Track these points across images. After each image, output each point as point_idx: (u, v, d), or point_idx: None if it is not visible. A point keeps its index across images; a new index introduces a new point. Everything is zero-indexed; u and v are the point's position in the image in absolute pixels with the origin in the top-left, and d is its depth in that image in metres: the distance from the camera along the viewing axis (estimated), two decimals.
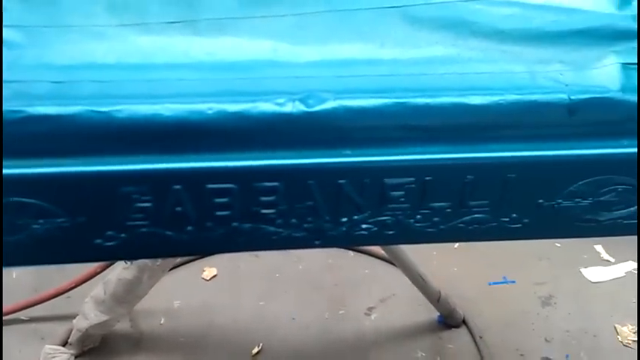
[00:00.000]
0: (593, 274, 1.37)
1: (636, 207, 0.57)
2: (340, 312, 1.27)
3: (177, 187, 0.49)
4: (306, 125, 0.50)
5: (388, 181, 0.52)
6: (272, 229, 0.53)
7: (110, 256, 0.52)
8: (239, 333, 1.22)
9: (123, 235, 0.51)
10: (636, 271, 1.37)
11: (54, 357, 1.10)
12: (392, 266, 1.24)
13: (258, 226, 0.53)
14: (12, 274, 1.30)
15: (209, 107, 0.48)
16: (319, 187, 0.52)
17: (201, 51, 0.50)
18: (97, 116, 0.46)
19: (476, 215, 0.56)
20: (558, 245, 1.42)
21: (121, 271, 1.04)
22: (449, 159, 0.52)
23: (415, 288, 1.19)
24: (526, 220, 0.57)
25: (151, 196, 0.49)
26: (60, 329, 1.16)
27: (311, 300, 1.29)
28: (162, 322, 1.24)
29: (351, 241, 0.56)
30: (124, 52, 0.49)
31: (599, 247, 1.43)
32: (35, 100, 0.46)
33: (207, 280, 1.33)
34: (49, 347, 1.11)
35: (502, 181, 0.54)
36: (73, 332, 1.11)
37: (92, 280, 1.14)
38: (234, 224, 0.52)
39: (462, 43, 0.54)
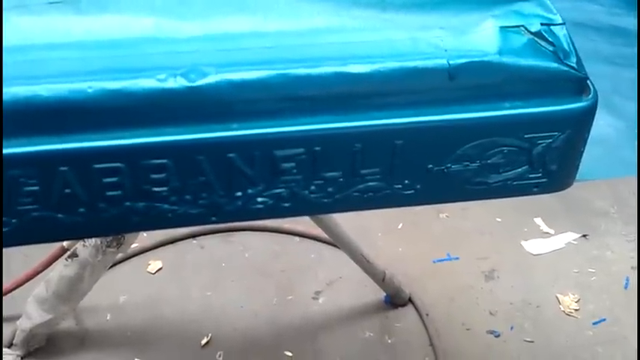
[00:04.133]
0: (534, 246, 1.40)
1: (525, 167, 0.59)
2: (288, 297, 1.28)
3: (64, 168, 0.50)
4: (189, 100, 0.50)
5: (278, 152, 0.53)
6: (167, 206, 0.54)
7: (4, 243, 0.52)
8: (187, 324, 1.22)
9: (14, 220, 0.51)
10: (576, 242, 1.40)
11: None
12: (338, 250, 1.25)
13: (152, 204, 0.54)
14: None
15: (89, 85, 0.48)
16: (209, 162, 0.52)
17: (83, 30, 0.51)
18: None
19: (369, 183, 0.57)
20: (499, 220, 1.44)
21: (62, 268, 1.03)
22: (335, 128, 0.53)
23: (361, 270, 1.20)
24: (419, 186, 0.58)
25: (37, 179, 0.50)
26: (5, 331, 1.15)
27: (258, 287, 1.29)
28: (108, 318, 1.23)
29: (248, 216, 0.57)
30: (2, 34, 0.49)
31: (538, 220, 1.45)
32: None
33: (153, 274, 1.32)
34: None
35: (390, 148, 0.55)
36: (17, 333, 1.10)
37: (35, 279, 1.13)
38: (127, 204, 0.53)
39: (344, 13, 0.55)
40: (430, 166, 0.57)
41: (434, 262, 1.36)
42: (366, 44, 0.54)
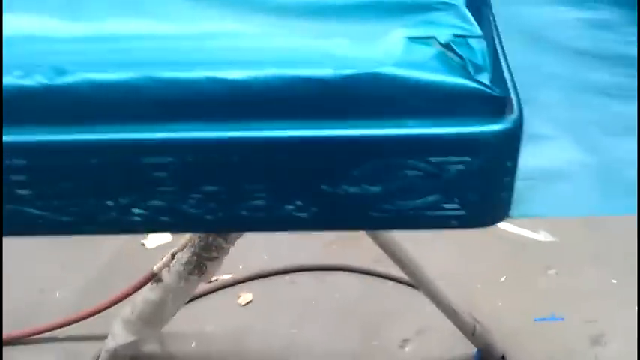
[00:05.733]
0: None
1: (437, 195, 0.52)
2: (373, 343, 1.23)
3: None
4: (50, 100, 0.47)
5: (147, 160, 0.49)
6: (35, 212, 0.51)
7: None
8: None
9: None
10: None
11: None
12: None
13: (19, 208, 0.51)
14: (55, 292, 1.33)
15: None
16: (72, 167, 0.49)
17: None
18: None
19: (256, 202, 0.52)
20: (614, 281, 1.33)
21: (147, 291, 1.03)
22: (208, 138, 0.49)
23: None
24: (314, 209, 0.52)
25: None
26: (91, 350, 1.17)
27: (345, 330, 1.26)
28: (193, 345, 1.23)
29: (125, 228, 0.53)
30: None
31: None
32: None
33: (243, 305, 1.33)
34: None
35: (273, 164, 0.50)
36: (102, 353, 1.10)
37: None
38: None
39: (241, 18, 0.51)
40: (324, 187, 0.51)
41: (535, 320, 1.27)
42: (251, 50, 0.49)
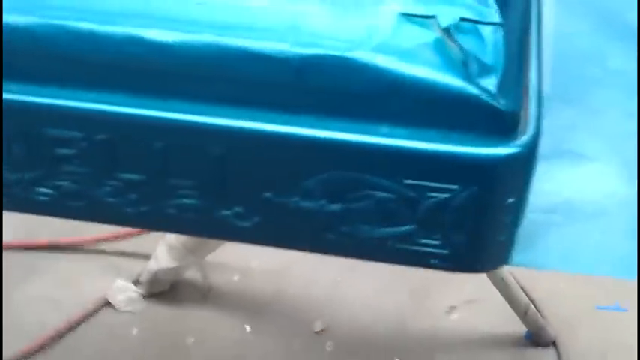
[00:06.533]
0: None
1: (412, 226, 0.40)
2: (420, 304, 1.15)
3: None
4: None
5: (50, 131, 0.39)
6: None
7: None
8: (308, 306, 1.15)
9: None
10: None
11: (122, 292, 1.11)
12: None
13: None
14: None
15: None
16: None
17: None
18: None
19: (185, 200, 0.41)
20: None
21: None
22: (125, 114, 0.38)
23: None
24: (257, 219, 0.41)
25: None
26: (136, 267, 1.15)
27: (392, 288, 1.17)
28: (235, 278, 1.18)
29: (34, 208, 0.43)
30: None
31: None
32: None
33: None
34: (120, 282, 1.12)
35: (205, 157, 0.39)
36: (144, 272, 1.12)
37: None
38: None
39: None
40: (267, 194, 0.40)
41: (597, 308, 1.16)
42: (185, 7, 0.38)
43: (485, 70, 0.35)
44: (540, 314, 1.06)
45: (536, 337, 1.08)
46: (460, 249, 0.40)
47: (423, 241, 0.40)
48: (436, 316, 1.13)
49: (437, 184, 0.37)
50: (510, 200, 0.38)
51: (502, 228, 0.39)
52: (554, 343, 1.08)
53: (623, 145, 0.50)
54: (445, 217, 0.39)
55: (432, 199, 0.38)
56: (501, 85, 0.35)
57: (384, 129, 0.37)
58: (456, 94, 0.35)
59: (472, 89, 0.35)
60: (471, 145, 0.36)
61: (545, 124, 0.36)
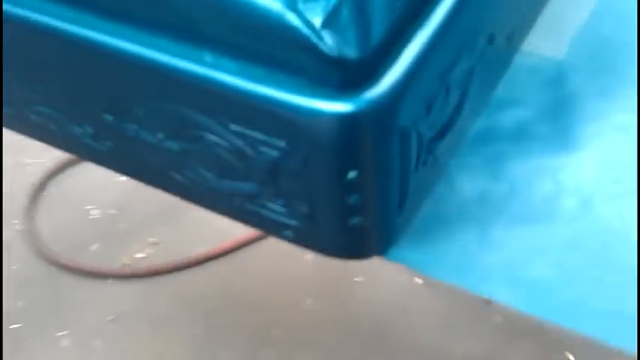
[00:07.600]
0: None
1: (252, 184, 0.32)
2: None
3: None
4: None
5: None
6: None
7: None
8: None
9: None
10: None
11: None
12: None
13: None
14: None
15: None
16: None
17: None
18: None
19: (39, 107, 0.37)
20: None
21: None
22: None
23: None
24: (109, 144, 0.36)
25: None
26: None
27: None
28: None
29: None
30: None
31: None
32: None
33: None
34: None
35: (50, 64, 0.34)
36: None
37: None
38: None
39: None
40: (107, 117, 0.34)
41: None
42: None
43: None
44: None
45: None
46: (308, 224, 0.32)
47: (270, 205, 0.32)
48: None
49: (264, 137, 0.29)
50: (352, 175, 0.28)
51: (349, 209, 0.30)
52: None
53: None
54: (282, 180, 0.30)
55: (263, 155, 0.30)
56: (335, 17, 0.26)
57: (208, 57, 0.29)
58: (274, 22, 0.26)
59: (292, 18, 0.26)
60: (294, 93, 0.27)
61: None
